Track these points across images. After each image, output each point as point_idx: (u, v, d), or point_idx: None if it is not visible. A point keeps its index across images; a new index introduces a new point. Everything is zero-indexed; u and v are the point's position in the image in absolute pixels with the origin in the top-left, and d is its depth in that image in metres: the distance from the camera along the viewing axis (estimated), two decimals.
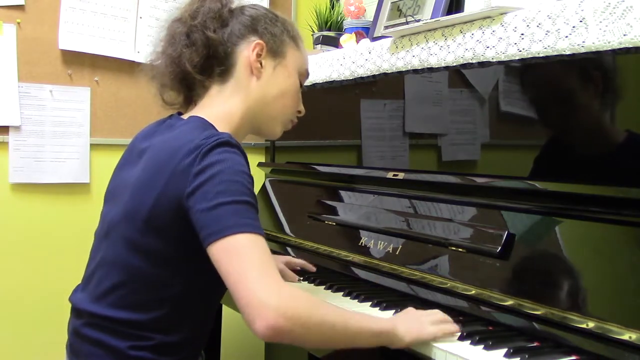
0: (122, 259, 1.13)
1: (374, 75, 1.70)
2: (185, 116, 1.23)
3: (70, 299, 1.23)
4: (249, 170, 1.09)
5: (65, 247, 2.13)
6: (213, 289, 1.19)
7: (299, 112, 1.34)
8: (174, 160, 1.07)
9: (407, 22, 1.61)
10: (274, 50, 1.25)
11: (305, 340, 1.00)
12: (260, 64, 1.23)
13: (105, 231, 1.19)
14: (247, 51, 1.22)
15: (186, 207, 1.05)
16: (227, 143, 1.07)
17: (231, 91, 1.22)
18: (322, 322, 0.98)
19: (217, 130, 1.14)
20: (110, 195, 1.24)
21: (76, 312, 1.20)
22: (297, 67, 1.29)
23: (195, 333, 1.18)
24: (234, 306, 1.80)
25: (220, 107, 1.21)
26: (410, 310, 1.14)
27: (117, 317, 1.12)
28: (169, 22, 1.27)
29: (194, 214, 1.03)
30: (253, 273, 0.96)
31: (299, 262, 1.62)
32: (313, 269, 1.60)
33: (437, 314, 1.12)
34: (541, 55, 1.22)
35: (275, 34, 1.25)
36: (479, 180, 1.38)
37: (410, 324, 1.07)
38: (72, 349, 1.20)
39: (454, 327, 1.09)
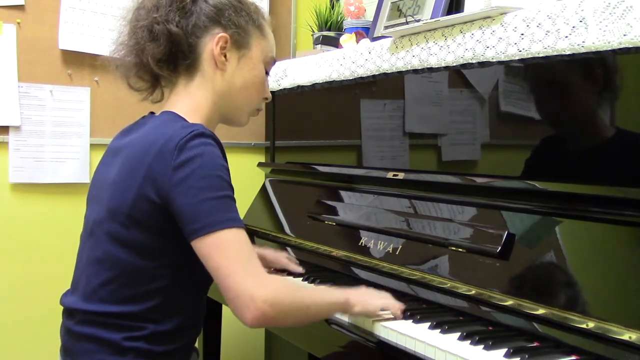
0: (108, 255, 1.14)
1: (374, 75, 1.70)
2: (157, 113, 1.24)
3: (61, 303, 1.23)
4: (226, 161, 1.12)
5: (65, 247, 2.11)
6: (201, 278, 1.20)
7: (266, 98, 1.32)
8: (150, 154, 1.09)
9: (407, 22, 1.61)
10: (239, 42, 1.22)
11: (285, 323, 1.13)
12: (225, 56, 1.21)
13: (89, 231, 1.20)
14: (211, 44, 1.20)
15: (168, 200, 1.07)
16: (202, 134, 1.09)
17: (197, 85, 1.22)
18: (298, 307, 1.10)
19: (188, 122, 1.16)
20: (92, 197, 1.25)
21: (68, 312, 1.20)
22: (262, 56, 1.28)
23: (188, 322, 1.20)
24: None
25: (188, 101, 1.21)
26: (362, 288, 1.27)
27: (109, 311, 1.13)
28: (130, 11, 1.23)
29: (177, 208, 1.06)
30: (240, 268, 1.04)
31: (284, 263, 1.61)
32: (297, 268, 1.60)
33: (385, 293, 1.25)
34: (541, 55, 1.22)
35: (240, 25, 1.22)
36: (479, 180, 1.38)
37: (360, 297, 1.20)
38: (65, 350, 1.20)
39: (399, 304, 1.20)
